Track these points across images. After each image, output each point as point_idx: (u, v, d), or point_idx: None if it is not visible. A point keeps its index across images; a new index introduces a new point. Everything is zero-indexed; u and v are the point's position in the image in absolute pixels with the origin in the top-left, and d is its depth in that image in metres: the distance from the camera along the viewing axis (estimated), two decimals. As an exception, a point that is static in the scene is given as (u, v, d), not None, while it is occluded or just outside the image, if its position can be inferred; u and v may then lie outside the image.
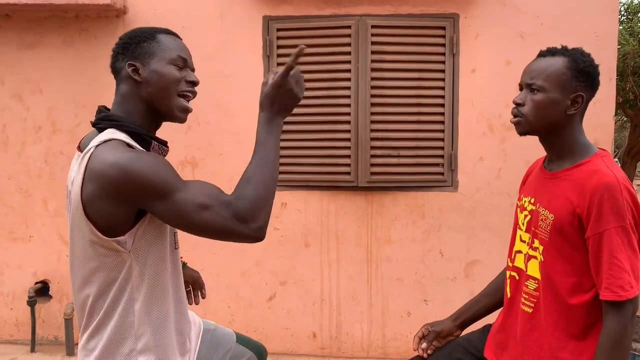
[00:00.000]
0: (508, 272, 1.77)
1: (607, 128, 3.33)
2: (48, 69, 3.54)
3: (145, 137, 1.41)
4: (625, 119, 8.14)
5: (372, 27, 3.32)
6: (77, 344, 1.40)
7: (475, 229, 3.43)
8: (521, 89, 1.65)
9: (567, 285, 1.56)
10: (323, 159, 3.42)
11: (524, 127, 1.62)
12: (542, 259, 1.60)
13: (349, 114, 3.36)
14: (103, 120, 1.40)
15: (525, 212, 1.71)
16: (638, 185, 10.13)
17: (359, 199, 3.48)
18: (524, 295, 1.66)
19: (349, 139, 3.38)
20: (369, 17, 3.34)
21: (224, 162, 3.50)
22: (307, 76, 3.34)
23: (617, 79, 4.72)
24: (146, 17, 3.46)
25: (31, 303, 3.51)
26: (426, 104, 3.37)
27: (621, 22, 6.86)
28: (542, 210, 1.61)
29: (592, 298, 1.52)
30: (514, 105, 1.64)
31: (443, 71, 3.36)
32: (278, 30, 3.40)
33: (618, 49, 4.13)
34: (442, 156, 3.40)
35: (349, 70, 3.34)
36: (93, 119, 1.45)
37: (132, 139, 1.37)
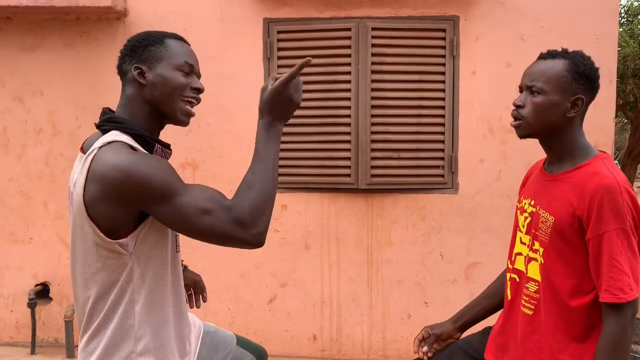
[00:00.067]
0: (508, 275, 1.77)
1: (608, 130, 3.33)
2: (49, 71, 3.55)
3: (149, 140, 1.41)
4: (626, 121, 8.15)
5: (373, 29, 3.32)
6: (77, 346, 1.39)
7: (475, 231, 3.43)
8: (521, 91, 1.65)
9: (567, 288, 1.55)
10: (323, 161, 3.42)
11: (524, 130, 1.62)
12: (543, 261, 1.60)
13: (349, 116, 3.36)
14: (107, 122, 1.40)
15: (526, 214, 1.71)
16: (638, 187, 10.12)
17: (359, 201, 3.48)
18: (524, 297, 1.66)
19: (349, 141, 3.38)
20: (369, 19, 3.34)
21: (225, 164, 3.50)
22: (307, 78, 3.37)
23: (617, 81, 4.72)
24: (147, 20, 3.46)
25: (31, 305, 3.51)
26: (426, 106, 3.37)
27: (621, 25, 6.87)
28: (543, 213, 1.61)
29: (592, 300, 1.52)
30: (514, 107, 1.64)
31: (443, 73, 3.36)
32: (278, 32, 3.40)
33: (618, 51, 4.13)
34: (442, 158, 3.40)
35: (349, 73, 3.35)
36: (94, 121, 1.46)
37: (136, 141, 1.37)
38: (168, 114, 1.44)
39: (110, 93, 3.47)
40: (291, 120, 3.52)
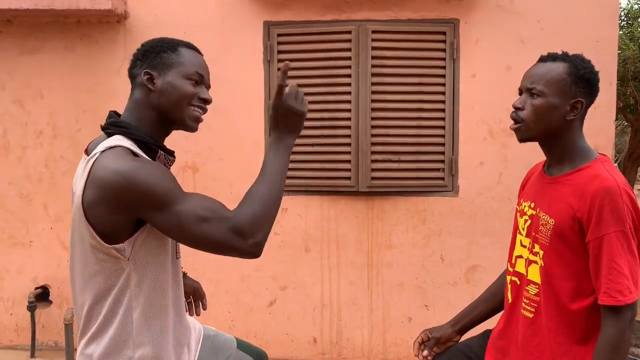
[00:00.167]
0: (509, 277, 1.76)
1: (608, 133, 3.33)
2: (49, 74, 3.55)
3: (152, 146, 1.41)
4: (626, 123, 8.15)
5: (373, 32, 3.33)
6: (77, 349, 1.39)
7: (475, 234, 3.43)
8: (521, 93, 1.65)
9: (567, 290, 1.55)
10: (323, 164, 3.42)
11: (523, 133, 1.62)
12: (543, 264, 1.60)
13: (349, 118, 3.36)
14: (112, 126, 1.40)
15: (525, 217, 1.70)
16: (639, 190, 10.12)
17: (359, 203, 3.47)
18: (524, 300, 1.66)
19: (349, 144, 3.38)
20: (369, 22, 3.35)
21: (225, 167, 3.50)
22: (307, 81, 3.38)
23: (617, 83, 4.72)
24: (147, 23, 3.47)
25: (31, 308, 3.51)
26: (426, 109, 3.38)
27: (621, 27, 6.87)
28: (543, 215, 1.61)
29: (592, 303, 1.52)
30: (513, 110, 1.64)
31: (443, 76, 3.36)
32: (279, 35, 3.41)
33: (618, 53, 4.13)
34: (442, 161, 3.40)
35: (349, 76, 3.35)
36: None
37: (139, 147, 1.37)
38: (176, 119, 1.44)
39: (111, 96, 3.47)
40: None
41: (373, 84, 3.34)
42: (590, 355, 1.51)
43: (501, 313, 1.83)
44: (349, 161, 3.39)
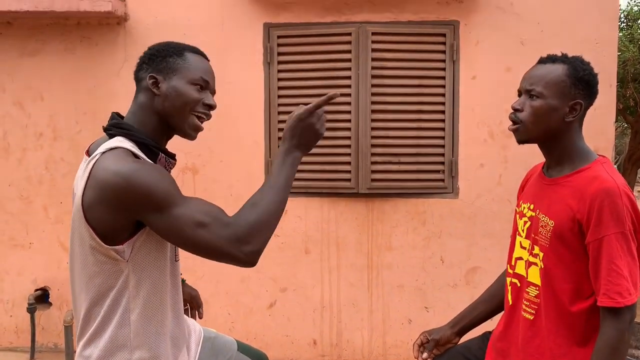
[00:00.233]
0: (509, 279, 1.76)
1: (608, 134, 3.33)
2: (49, 76, 3.55)
3: (153, 149, 1.41)
4: (626, 125, 8.16)
5: (373, 34, 3.33)
6: (76, 351, 1.40)
7: (475, 236, 3.43)
8: (520, 94, 1.65)
9: (567, 292, 1.55)
10: (323, 166, 3.42)
11: (522, 134, 1.62)
12: (543, 266, 1.60)
13: (349, 120, 3.37)
14: (114, 127, 1.40)
15: (525, 219, 1.70)
16: (639, 192, 10.12)
17: (359, 205, 3.47)
18: (524, 302, 1.66)
19: (349, 146, 3.38)
20: (369, 24, 3.35)
21: (225, 169, 3.50)
22: (307, 83, 3.38)
23: (617, 85, 4.73)
24: (147, 25, 3.47)
25: (31, 310, 3.50)
26: (426, 110, 3.38)
27: (621, 29, 6.88)
28: (542, 217, 1.61)
29: (592, 305, 1.52)
30: (512, 111, 1.64)
31: (443, 78, 3.36)
32: (279, 37, 3.41)
33: (618, 55, 4.13)
34: (442, 163, 3.40)
35: (349, 77, 3.35)
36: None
37: (140, 149, 1.37)
38: (176, 126, 1.44)
39: (111, 98, 3.48)
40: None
41: (373, 85, 3.34)
42: (590, 356, 1.51)
43: (501, 314, 1.83)
44: (349, 163, 3.39)
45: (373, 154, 3.37)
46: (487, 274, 3.39)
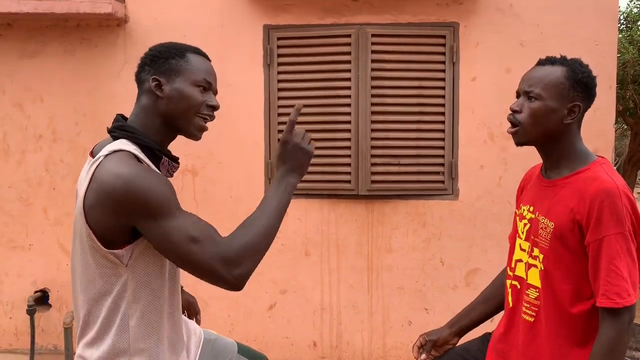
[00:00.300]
0: (509, 281, 1.76)
1: (608, 136, 3.33)
2: (49, 77, 3.55)
3: (157, 152, 1.41)
4: (626, 127, 8.16)
5: (372, 35, 3.33)
6: (75, 353, 1.40)
7: (475, 237, 3.43)
8: (518, 96, 1.65)
9: (567, 294, 1.55)
10: (323, 167, 3.42)
11: (521, 136, 1.62)
12: (542, 268, 1.60)
13: (349, 122, 3.37)
14: (118, 130, 1.39)
15: (525, 221, 1.70)
16: (638, 193, 10.12)
17: (359, 207, 3.47)
18: (524, 304, 1.65)
19: (349, 147, 3.38)
20: (369, 26, 3.35)
21: (224, 171, 3.50)
22: (307, 85, 3.39)
23: (617, 87, 4.73)
24: (147, 26, 3.47)
25: (30, 312, 3.49)
26: (426, 112, 3.38)
27: (621, 31, 6.89)
28: (542, 219, 1.61)
29: (592, 306, 1.52)
30: (510, 112, 1.64)
31: (443, 79, 3.36)
32: (278, 39, 3.41)
33: (618, 57, 4.14)
34: (442, 164, 3.40)
35: (349, 79, 3.35)
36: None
37: (143, 152, 1.37)
38: (181, 128, 1.44)
39: (110, 99, 3.48)
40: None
41: (373, 87, 3.35)
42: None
43: (500, 315, 1.82)
44: (349, 164, 3.39)
45: (373, 156, 3.37)
46: (487, 276, 3.38)
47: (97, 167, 1.28)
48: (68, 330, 3.43)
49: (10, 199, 3.61)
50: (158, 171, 1.40)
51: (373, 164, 3.37)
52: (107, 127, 1.43)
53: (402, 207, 3.46)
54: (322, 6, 3.39)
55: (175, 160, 1.48)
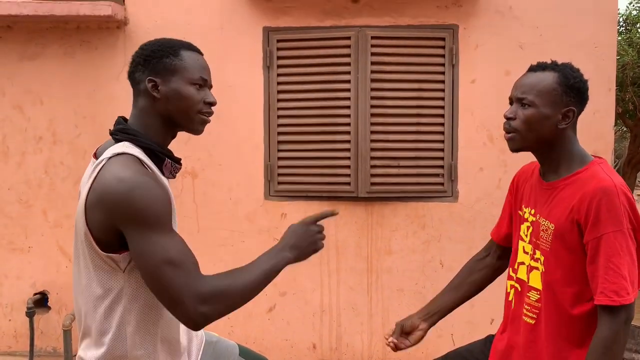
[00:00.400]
0: (510, 283, 1.77)
1: (607, 138, 3.33)
2: (49, 80, 3.55)
3: (159, 154, 1.40)
4: (625, 129, 8.16)
5: (372, 38, 3.33)
6: (75, 355, 1.40)
7: (475, 240, 3.42)
8: (511, 102, 1.65)
9: (568, 295, 1.55)
10: (323, 169, 3.42)
11: (517, 143, 1.62)
12: (544, 269, 1.60)
13: (349, 124, 3.37)
14: (120, 132, 1.39)
15: (527, 224, 1.71)
16: (638, 195, 10.12)
17: (359, 209, 3.47)
18: (526, 306, 1.66)
19: (348, 149, 3.38)
20: (368, 28, 3.35)
21: (224, 173, 3.50)
22: (307, 87, 3.39)
23: (616, 89, 4.73)
24: (147, 29, 3.47)
25: (30, 314, 3.49)
26: (426, 114, 3.38)
27: (620, 33, 6.89)
28: (543, 221, 1.61)
29: (593, 307, 1.52)
30: (505, 120, 1.64)
31: (443, 82, 3.37)
32: (278, 41, 3.41)
33: (617, 59, 4.14)
34: (442, 166, 3.40)
35: (348, 81, 3.35)
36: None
37: (146, 154, 1.37)
38: (183, 125, 1.45)
39: (110, 102, 3.48)
40: (291, 128, 3.51)
41: (372, 89, 3.35)
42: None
43: (502, 317, 1.83)
44: (348, 166, 3.39)
45: (372, 158, 3.37)
46: (487, 278, 3.39)
47: (100, 169, 1.28)
48: (67, 333, 3.42)
49: (10, 200, 3.61)
50: (162, 177, 1.40)
51: (373, 166, 3.38)
52: (109, 130, 1.42)
53: (401, 209, 3.45)
54: (322, 8, 3.40)
55: (177, 161, 1.48)
